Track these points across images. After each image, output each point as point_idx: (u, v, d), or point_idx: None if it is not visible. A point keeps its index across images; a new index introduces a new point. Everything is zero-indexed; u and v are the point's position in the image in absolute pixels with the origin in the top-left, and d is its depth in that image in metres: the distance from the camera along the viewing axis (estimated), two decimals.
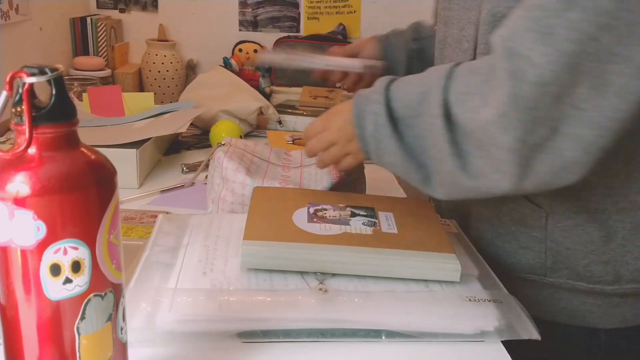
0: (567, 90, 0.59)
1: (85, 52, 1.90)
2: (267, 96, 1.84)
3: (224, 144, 0.97)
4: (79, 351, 0.44)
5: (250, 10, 2.04)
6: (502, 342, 0.62)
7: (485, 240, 0.82)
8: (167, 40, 2.00)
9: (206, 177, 1.18)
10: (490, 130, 0.62)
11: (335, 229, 0.72)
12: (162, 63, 1.92)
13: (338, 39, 1.96)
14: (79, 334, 0.44)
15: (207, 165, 1.22)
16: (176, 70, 1.95)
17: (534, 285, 0.80)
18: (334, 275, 0.68)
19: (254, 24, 2.05)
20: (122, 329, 0.47)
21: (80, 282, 0.43)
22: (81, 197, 0.42)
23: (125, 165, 1.08)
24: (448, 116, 0.65)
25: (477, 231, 0.84)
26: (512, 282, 0.76)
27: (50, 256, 0.41)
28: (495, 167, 0.63)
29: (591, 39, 0.57)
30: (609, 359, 0.82)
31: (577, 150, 0.60)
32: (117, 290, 0.46)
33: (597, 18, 0.57)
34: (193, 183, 1.14)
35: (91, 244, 0.43)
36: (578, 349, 0.82)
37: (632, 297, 0.79)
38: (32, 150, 0.41)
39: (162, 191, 1.09)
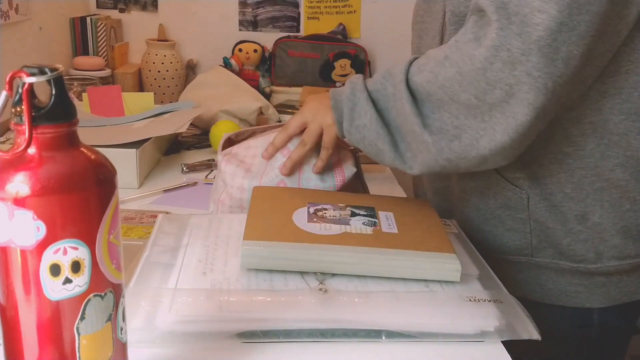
0: (520, 58, 0.64)
1: (85, 52, 1.90)
2: (267, 96, 1.84)
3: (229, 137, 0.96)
4: (78, 351, 0.44)
5: (250, 10, 2.04)
6: (502, 342, 0.62)
7: (472, 226, 0.84)
8: (167, 40, 2.00)
9: (206, 177, 1.18)
10: (451, 86, 0.69)
11: (336, 229, 0.72)
12: (162, 63, 1.92)
13: (338, 38, 1.96)
14: (78, 334, 0.44)
15: (206, 166, 1.22)
16: (176, 70, 1.94)
17: (521, 267, 0.83)
18: (334, 275, 0.68)
19: (254, 24, 2.05)
20: (122, 329, 0.47)
21: (80, 282, 0.43)
22: (81, 197, 0.42)
23: (125, 165, 1.08)
24: (408, 83, 0.73)
25: (463, 217, 0.86)
26: (500, 264, 0.78)
27: (50, 256, 0.41)
28: (454, 125, 0.69)
29: (538, 10, 0.63)
30: (601, 338, 0.83)
31: (529, 114, 0.66)
32: (117, 291, 0.46)
33: None
34: (195, 183, 1.14)
35: (91, 244, 0.43)
36: (570, 329, 0.83)
37: (616, 276, 0.81)
38: (31, 150, 0.41)
39: (165, 190, 1.10)
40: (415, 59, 0.77)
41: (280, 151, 0.89)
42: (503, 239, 0.83)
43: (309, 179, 0.87)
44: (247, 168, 0.89)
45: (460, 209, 0.87)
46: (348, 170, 0.89)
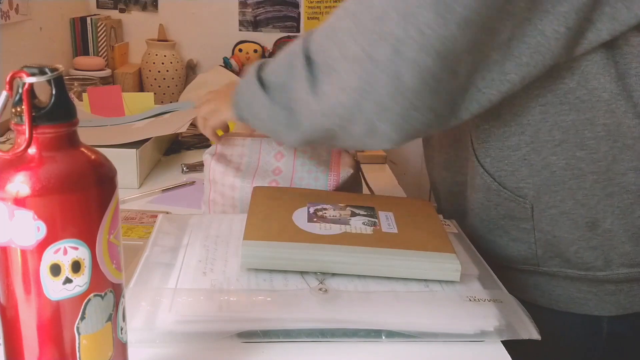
0: (414, 10, 0.61)
1: (85, 52, 1.90)
2: None
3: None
4: (79, 351, 0.44)
5: (250, 10, 2.04)
6: (502, 342, 0.62)
7: (478, 236, 0.84)
8: (167, 40, 2.00)
9: None
10: (342, 37, 0.66)
11: (336, 229, 0.72)
12: (162, 63, 1.92)
13: None
14: (79, 334, 0.44)
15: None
16: (176, 70, 1.94)
17: (530, 274, 0.82)
18: (334, 275, 0.68)
19: (254, 24, 2.05)
20: (122, 329, 0.47)
21: (80, 282, 0.43)
22: (81, 197, 0.42)
23: (125, 165, 1.08)
24: (306, 49, 0.71)
25: (471, 228, 0.85)
26: (508, 272, 0.77)
27: (50, 256, 0.41)
28: (340, 86, 0.66)
29: None
30: (610, 348, 0.83)
31: (415, 77, 0.62)
32: (117, 290, 0.46)
33: None
34: (193, 182, 1.14)
35: (91, 244, 0.43)
36: (579, 337, 0.83)
37: (626, 284, 0.80)
38: (32, 150, 0.41)
39: (164, 190, 1.10)
40: None
41: (274, 155, 0.90)
42: (508, 249, 0.82)
43: (302, 178, 0.88)
44: (237, 167, 0.89)
45: (470, 218, 0.86)
46: (344, 171, 0.89)
